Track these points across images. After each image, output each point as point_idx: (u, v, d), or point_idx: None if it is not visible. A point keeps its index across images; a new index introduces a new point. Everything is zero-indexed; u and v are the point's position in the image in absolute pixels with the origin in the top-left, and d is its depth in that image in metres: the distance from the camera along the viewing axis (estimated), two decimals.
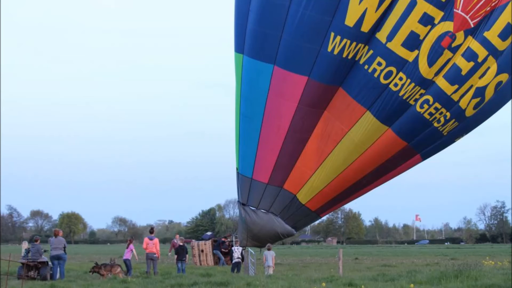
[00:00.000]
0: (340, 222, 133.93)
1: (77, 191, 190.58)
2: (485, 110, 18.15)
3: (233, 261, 21.73)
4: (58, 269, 18.92)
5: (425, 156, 19.39)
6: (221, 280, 15.31)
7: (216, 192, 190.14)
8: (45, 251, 19.70)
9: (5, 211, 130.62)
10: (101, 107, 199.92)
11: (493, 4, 16.23)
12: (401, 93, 17.08)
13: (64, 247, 19.06)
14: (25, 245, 26.56)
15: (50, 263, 19.23)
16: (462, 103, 17.36)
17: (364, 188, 20.16)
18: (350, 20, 16.47)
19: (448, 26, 16.29)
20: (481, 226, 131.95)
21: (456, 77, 16.91)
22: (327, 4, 16.58)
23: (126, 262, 20.41)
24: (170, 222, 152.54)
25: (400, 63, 16.79)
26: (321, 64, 17.17)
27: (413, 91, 17.03)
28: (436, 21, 16.30)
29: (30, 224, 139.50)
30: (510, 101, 18.94)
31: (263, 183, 19.67)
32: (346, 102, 17.73)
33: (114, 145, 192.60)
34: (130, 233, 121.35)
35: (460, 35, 16.38)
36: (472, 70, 16.80)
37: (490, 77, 17.09)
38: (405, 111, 17.41)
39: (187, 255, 21.86)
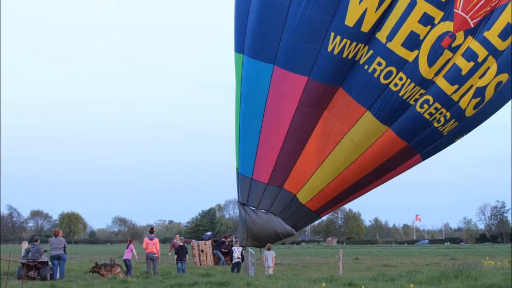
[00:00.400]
0: (340, 222, 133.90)
1: (77, 191, 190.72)
2: (485, 110, 18.15)
3: (233, 261, 21.74)
4: (58, 269, 18.92)
5: (425, 156, 19.39)
6: (221, 280, 15.31)
7: (216, 192, 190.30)
8: (45, 251, 19.70)
9: (5, 211, 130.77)
10: (101, 107, 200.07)
11: (493, 4, 16.23)
12: (401, 93, 17.08)
13: (64, 247, 19.06)
14: (25, 245, 26.56)
15: (50, 263, 19.23)
16: (462, 103, 17.36)
17: (364, 188, 20.16)
18: (350, 20, 16.47)
19: (448, 26, 16.29)
20: (481, 226, 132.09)
21: (456, 77, 16.91)
22: (327, 4, 16.58)
23: (126, 262, 20.41)
24: (170, 222, 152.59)
25: (400, 63, 16.79)
26: (321, 64, 17.17)
27: (413, 91, 17.03)
28: (436, 21, 16.30)
29: (30, 224, 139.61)
30: (510, 101, 18.96)
31: (263, 183, 19.67)
32: (346, 102, 17.73)
33: (114, 145, 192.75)
34: (130, 233, 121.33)
35: (460, 35, 16.38)
36: (472, 70, 16.80)
37: (490, 77, 17.09)
38: (405, 111, 17.41)
39: (187, 255, 21.86)
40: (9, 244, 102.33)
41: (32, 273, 18.93)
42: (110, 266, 19.34)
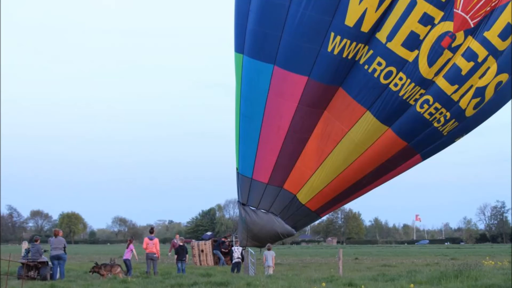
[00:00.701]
0: (340, 222, 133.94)
1: (77, 191, 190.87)
2: (485, 110, 18.14)
3: (233, 261, 21.76)
4: (58, 269, 18.92)
5: (425, 156, 19.38)
6: (221, 280, 15.31)
7: (216, 192, 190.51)
8: (45, 251, 19.71)
9: (5, 211, 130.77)
10: (101, 107, 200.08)
11: (493, 4, 16.23)
12: (401, 93, 17.07)
13: (64, 247, 19.07)
14: (25, 245, 26.56)
15: (50, 263, 19.24)
16: (462, 103, 17.36)
17: (364, 188, 20.16)
18: (350, 20, 16.47)
19: (448, 26, 16.29)
20: (481, 226, 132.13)
21: (456, 77, 16.91)
22: (327, 4, 16.58)
23: (126, 262, 20.42)
24: (170, 222, 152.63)
25: (400, 63, 16.79)
26: (321, 64, 17.17)
27: (413, 91, 17.03)
28: (436, 21, 16.30)
29: (30, 224, 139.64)
30: (510, 101, 18.95)
31: (263, 183, 19.67)
32: (346, 102, 17.73)
33: (114, 145, 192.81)
34: (130, 233, 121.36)
35: (460, 35, 16.38)
36: (472, 70, 16.80)
37: (490, 77, 17.09)
38: (405, 111, 17.41)
39: (187, 255, 21.88)
40: (9, 244, 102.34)
41: (32, 273, 18.94)
42: (110, 266, 19.35)
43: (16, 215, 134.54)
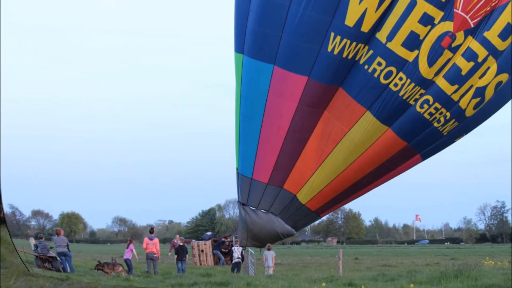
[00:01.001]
0: (340, 222, 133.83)
1: (77, 191, 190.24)
2: (485, 110, 18.15)
3: (233, 261, 21.79)
4: (67, 263, 19.46)
5: (425, 156, 19.40)
6: (221, 280, 15.33)
7: (216, 192, 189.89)
8: (50, 247, 20.17)
9: (7, 210, 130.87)
10: (101, 107, 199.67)
11: (493, 4, 16.24)
12: (401, 93, 17.09)
13: (67, 245, 19.52)
14: (32, 241, 26.78)
15: (58, 258, 19.73)
16: (462, 103, 17.37)
17: (364, 188, 20.17)
18: (350, 20, 16.48)
19: (448, 26, 16.30)
20: (481, 226, 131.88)
21: (456, 77, 16.92)
22: (327, 4, 16.59)
23: (127, 261, 20.51)
24: (170, 222, 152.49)
25: (400, 63, 16.80)
26: (321, 64, 17.18)
27: (413, 91, 17.04)
28: (436, 21, 16.31)
29: (33, 223, 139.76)
30: (510, 101, 18.96)
31: (263, 183, 19.69)
32: (346, 102, 17.74)
33: (114, 145, 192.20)
34: (130, 233, 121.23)
35: (460, 35, 16.39)
36: (472, 70, 16.81)
37: (490, 77, 17.09)
38: (405, 111, 17.43)
39: (187, 255, 21.92)
40: (18, 238, 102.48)
41: (47, 265, 19.45)
42: (112, 265, 19.53)
43: (19, 213, 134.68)
